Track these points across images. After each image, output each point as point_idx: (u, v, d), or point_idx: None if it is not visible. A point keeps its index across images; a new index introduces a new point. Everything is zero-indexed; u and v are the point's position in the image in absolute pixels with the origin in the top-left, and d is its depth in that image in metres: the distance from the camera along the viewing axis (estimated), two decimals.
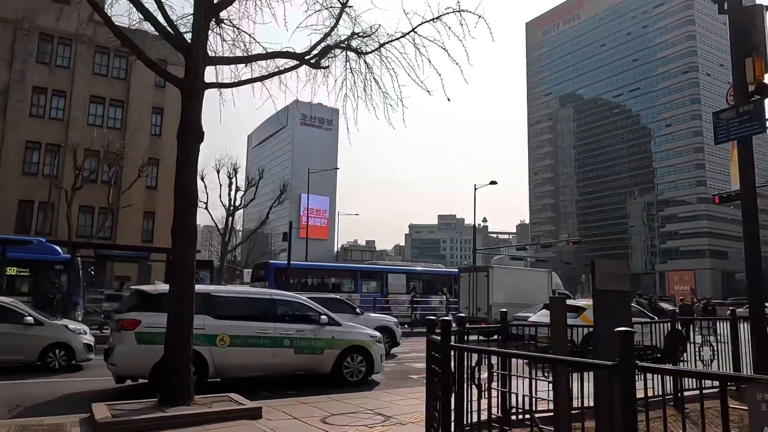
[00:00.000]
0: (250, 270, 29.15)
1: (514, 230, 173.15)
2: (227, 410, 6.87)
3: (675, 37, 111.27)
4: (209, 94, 8.00)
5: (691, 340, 8.19)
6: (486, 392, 4.68)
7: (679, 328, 8.17)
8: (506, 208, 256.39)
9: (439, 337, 4.73)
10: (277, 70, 8.43)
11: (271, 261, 25.31)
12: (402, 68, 8.51)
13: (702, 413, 2.76)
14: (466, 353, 4.54)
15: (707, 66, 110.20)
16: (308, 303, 10.11)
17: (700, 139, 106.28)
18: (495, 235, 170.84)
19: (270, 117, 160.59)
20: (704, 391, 2.80)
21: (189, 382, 7.02)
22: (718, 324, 8.69)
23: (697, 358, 7.56)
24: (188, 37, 7.77)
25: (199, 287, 8.04)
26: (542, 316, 14.19)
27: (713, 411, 3.87)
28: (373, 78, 9.18)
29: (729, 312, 8.49)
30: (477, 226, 46.21)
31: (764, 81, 5.60)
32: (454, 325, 4.44)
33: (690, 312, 20.85)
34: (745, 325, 8.73)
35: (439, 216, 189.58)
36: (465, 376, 4.62)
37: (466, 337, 5.87)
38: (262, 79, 8.07)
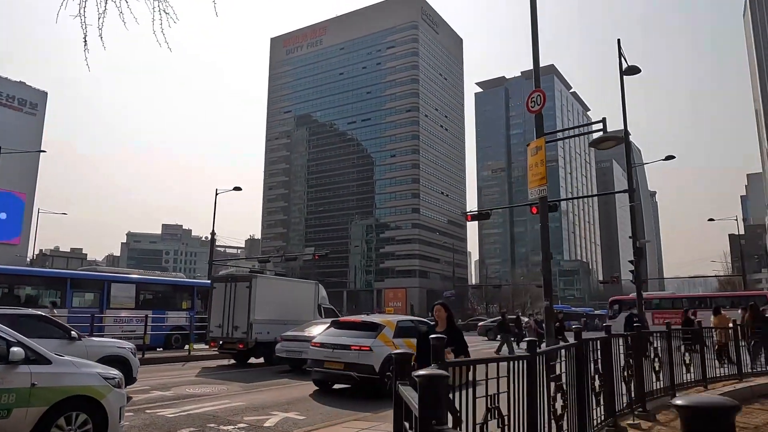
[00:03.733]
0: None
1: (243, 245, 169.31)
2: None
3: (402, 77, 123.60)
4: None
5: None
6: None
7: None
8: (234, 222, 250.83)
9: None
10: None
11: None
12: None
13: None
14: None
15: (426, 108, 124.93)
16: None
17: (417, 171, 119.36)
18: (223, 249, 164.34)
19: None
20: None
21: None
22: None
23: None
24: None
25: None
26: (330, 335, 11.57)
27: None
28: None
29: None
30: (205, 238, 41.74)
31: None
32: None
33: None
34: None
35: (163, 225, 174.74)
36: None
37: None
38: None
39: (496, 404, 3.67)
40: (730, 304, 34.64)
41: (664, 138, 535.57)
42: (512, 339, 21.81)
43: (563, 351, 5.43)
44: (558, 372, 4.99)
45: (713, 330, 12.74)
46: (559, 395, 4.81)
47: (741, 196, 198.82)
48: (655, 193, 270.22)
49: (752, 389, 9.86)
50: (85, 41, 6.38)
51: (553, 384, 4.73)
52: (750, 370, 10.96)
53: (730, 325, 12.77)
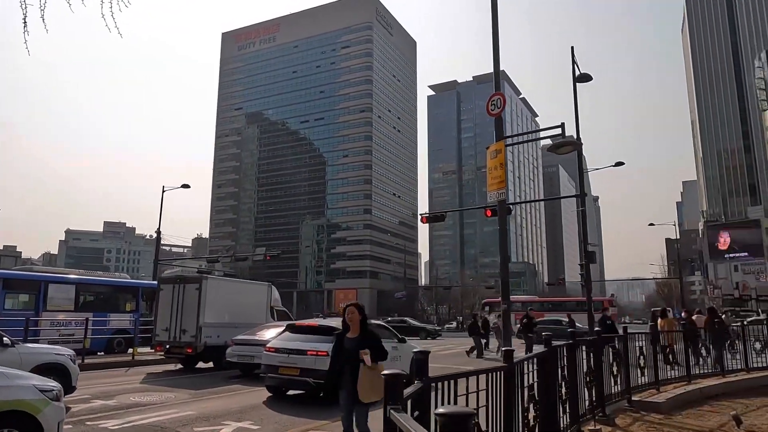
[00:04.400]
0: None
1: (190, 244, 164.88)
2: None
3: (356, 78, 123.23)
4: None
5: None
6: None
7: None
8: (181, 221, 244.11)
9: None
10: None
11: None
12: None
13: None
14: None
15: (379, 109, 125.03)
16: None
17: (369, 172, 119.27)
18: (168, 248, 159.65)
19: None
20: None
21: None
22: None
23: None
24: None
25: None
26: (285, 340, 11.18)
27: None
28: None
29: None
30: (150, 237, 40.19)
31: None
32: None
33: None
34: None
35: (105, 222, 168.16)
36: None
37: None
38: None
39: (476, 420, 3.48)
40: (576, 307, 37.76)
41: (606, 144, 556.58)
42: (482, 340, 22.81)
43: (534, 359, 5.31)
44: (531, 381, 4.88)
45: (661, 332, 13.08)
46: (531, 405, 4.69)
47: (677, 203, 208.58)
48: (597, 198, 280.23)
49: (701, 391, 10.14)
50: (25, 22, 5.87)
51: (526, 393, 4.61)
52: (699, 371, 11.29)
53: (676, 327, 13.16)
